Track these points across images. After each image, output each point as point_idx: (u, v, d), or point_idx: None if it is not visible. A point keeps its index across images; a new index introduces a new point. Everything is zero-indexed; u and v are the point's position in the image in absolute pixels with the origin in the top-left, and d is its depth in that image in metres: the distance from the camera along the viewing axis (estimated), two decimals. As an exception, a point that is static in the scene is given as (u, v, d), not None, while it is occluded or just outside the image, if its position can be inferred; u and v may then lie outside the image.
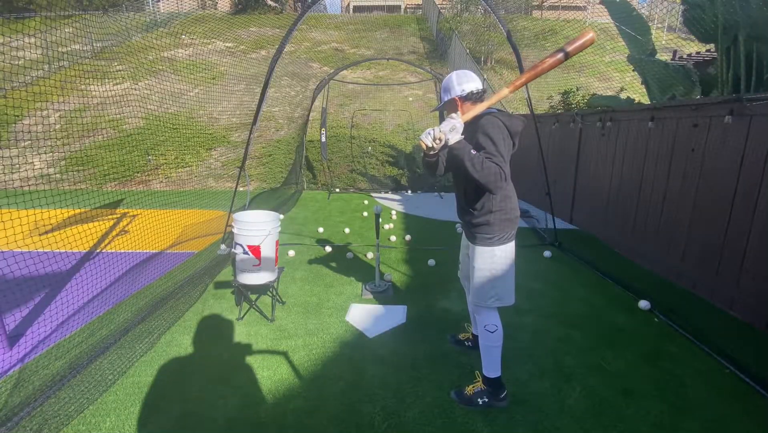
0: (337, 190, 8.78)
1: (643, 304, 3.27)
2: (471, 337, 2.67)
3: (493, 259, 2.07)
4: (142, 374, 2.41)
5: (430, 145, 1.79)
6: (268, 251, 3.06)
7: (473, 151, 1.79)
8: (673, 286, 3.73)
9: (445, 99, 2.06)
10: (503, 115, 1.93)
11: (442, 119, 8.03)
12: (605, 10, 5.79)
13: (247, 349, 2.71)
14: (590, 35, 1.79)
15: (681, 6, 4.86)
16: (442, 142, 1.79)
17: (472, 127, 1.92)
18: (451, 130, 1.77)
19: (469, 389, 2.19)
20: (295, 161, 8.88)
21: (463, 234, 2.36)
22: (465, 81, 2.00)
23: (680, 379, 2.39)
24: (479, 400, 2.13)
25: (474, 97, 1.99)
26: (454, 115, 1.82)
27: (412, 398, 2.23)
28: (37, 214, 3.34)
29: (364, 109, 11.22)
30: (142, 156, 9.75)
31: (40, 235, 4.32)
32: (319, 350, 2.70)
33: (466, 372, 2.45)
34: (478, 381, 2.19)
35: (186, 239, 5.09)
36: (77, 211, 4.00)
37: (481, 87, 2.01)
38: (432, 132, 1.78)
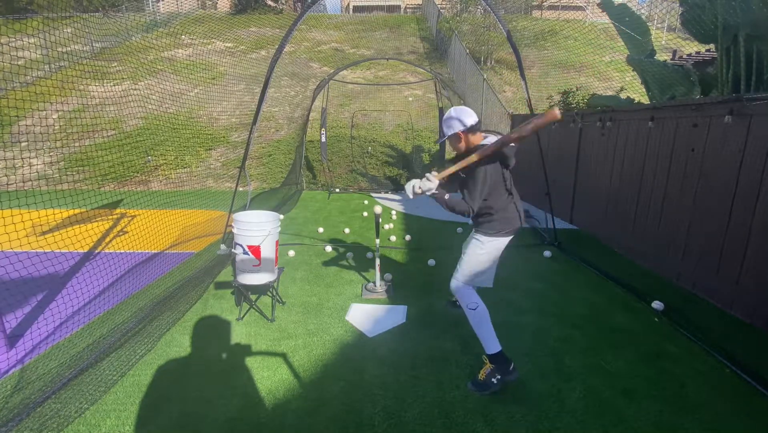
0: (337, 190, 8.78)
1: (657, 305, 3.26)
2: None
3: (482, 245, 2.43)
4: (142, 374, 2.41)
5: (411, 196, 2.39)
6: (268, 251, 3.06)
7: (447, 196, 2.34)
8: (673, 286, 3.73)
9: (450, 133, 2.42)
10: (491, 161, 2.29)
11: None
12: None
13: (247, 349, 2.71)
14: (555, 113, 2.08)
15: (680, 7, 4.86)
16: (422, 193, 2.35)
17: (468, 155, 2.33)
18: (427, 189, 2.32)
19: (481, 374, 2.31)
20: (295, 161, 8.88)
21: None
22: (465, 116, 2.36)
23: (680, 379, 2.39)
24: (493, 380, 2.25)
25: (474, 129, 2.38)
26: (429, 176, 2.32)
27: (412, 398, 2.23)
28: (42, 215, 3.34)
29: (364, 109, 11.22)
30: (142, 156, 9.74)
31: (39, 235, 4.32)
32: (319, 350, 2.70)
33: (466, 372, 2.45)
34: (486, 364, 2.32)
35: (186, 239, 5.09)
36: (77, 211, 3.99)
37: (477, 120, 2.41)
38: (413, 186, 2.36)
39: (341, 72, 8.81)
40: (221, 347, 2.74)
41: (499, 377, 2.25)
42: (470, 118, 2.37)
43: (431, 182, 2.31)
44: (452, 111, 2.40)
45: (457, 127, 2.37)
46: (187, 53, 14.16)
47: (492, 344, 2.29)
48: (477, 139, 2.39)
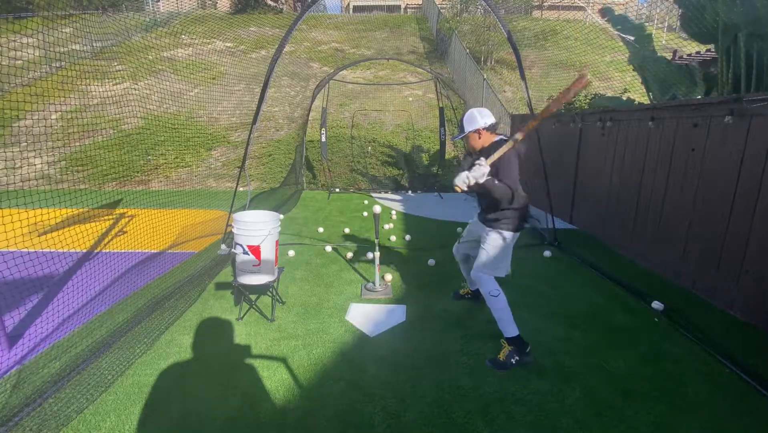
0: (337, 190, 8.77)
1: (657, 305, 3.26)
2: (470, 292, 3.37)
3: (504, 240, 2.59)
4: (142, 374, 2.41)
5: (466, 189, 2.32)
6: (267, 251, 3.06)
7: (496, 182, 2.35)
8: (673, 286, 3.73)
9: (470, 130, 2.61)
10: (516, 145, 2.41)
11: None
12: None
13: (247, 349, 2.71)
14: (584, 78, 2.10)
15: (679, 10, 4.85)
16: (474, 184, 2.30)
17: (492, 149, 2.45)
18: (482, 176, 2.28)
19: (501, 355, 2.52)
20: (295, 161, 8.88)
21: (476, 221, 2.88)
22: (486, 116, 2.60)
23: (680, 379, 2.39)
24: (512, 360, 2.47)
25: (491, 128, 2.61)
26: (481, 161, 2.29)
27: (412, 398, 2.23)
28: (42, 214, 3.34)
29: (364, 109, 11.22)
30: (142, 156, 9.73)
31: (39, 235, 4.31)
32: (319, 349, 2.70)
33: (466, 372, 2.45)
34: (506, 346, 2.53)
35: (186, 239, 5.08)
36: (77, 211, 3.99)
37: (496, 121, 2.64)
38: (468, 178, 2.28)
39: (341, 72, 8.80)
40: (221, 347, 2.73)
41: (517, 358, 2.47)
42: (490, 118, 2.61)
43: (483, 167, 2.30)
44: (474, 110, 2.63)
45: (479, 124, 2.58)
46: (187, 53, 14.14)
47: (511, 328, 2.51)
48: (492, 137, 2.61)
